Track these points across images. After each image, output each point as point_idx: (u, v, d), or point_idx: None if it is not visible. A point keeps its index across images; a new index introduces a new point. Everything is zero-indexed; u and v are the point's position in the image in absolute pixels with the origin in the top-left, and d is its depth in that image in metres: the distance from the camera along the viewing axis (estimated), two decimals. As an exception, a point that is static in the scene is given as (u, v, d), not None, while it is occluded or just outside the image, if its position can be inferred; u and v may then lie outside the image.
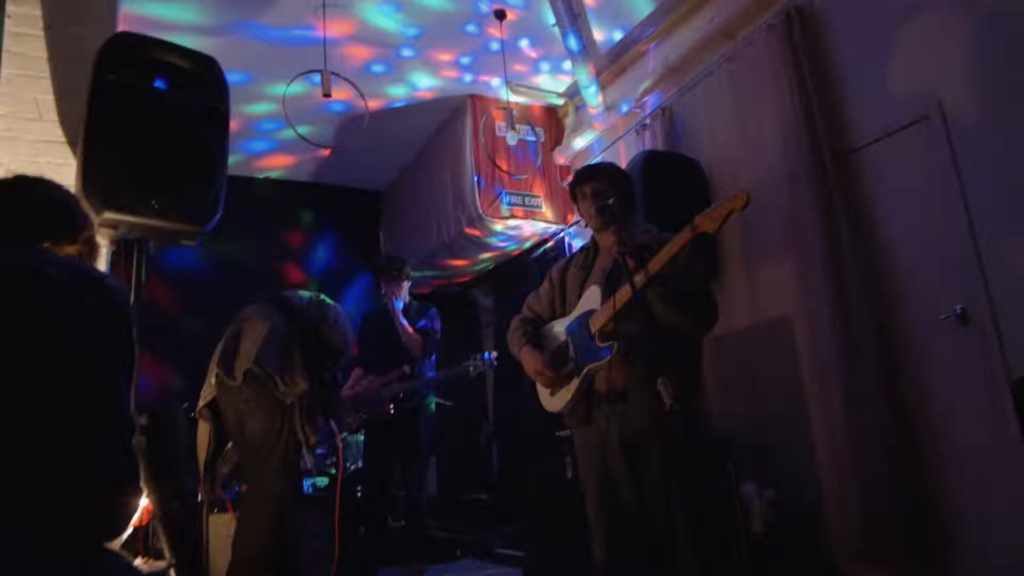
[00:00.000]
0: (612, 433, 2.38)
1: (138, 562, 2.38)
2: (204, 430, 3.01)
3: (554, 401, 2.53)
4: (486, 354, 4.33)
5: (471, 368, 4.28)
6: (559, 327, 2.58)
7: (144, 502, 2.65)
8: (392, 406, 4.17)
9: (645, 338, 2.25)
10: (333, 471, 3.87)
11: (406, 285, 4.42)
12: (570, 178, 2.83)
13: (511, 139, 4.83)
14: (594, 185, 2.57)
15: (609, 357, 2.32)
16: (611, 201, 2.47)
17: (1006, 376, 2.69)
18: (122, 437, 1.18)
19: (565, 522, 3.38)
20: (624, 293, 2.23)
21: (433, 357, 4.45)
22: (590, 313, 2.44)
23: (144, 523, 2.54)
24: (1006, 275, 2.76)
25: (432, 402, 4.45)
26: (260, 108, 5.25)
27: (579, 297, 2.54)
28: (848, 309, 3.14)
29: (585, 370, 2.40)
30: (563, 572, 3.45)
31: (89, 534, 1.13)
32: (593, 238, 2.68)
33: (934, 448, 2.96)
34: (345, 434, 4.77)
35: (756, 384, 3.77)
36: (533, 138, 5.36)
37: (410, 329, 4.23)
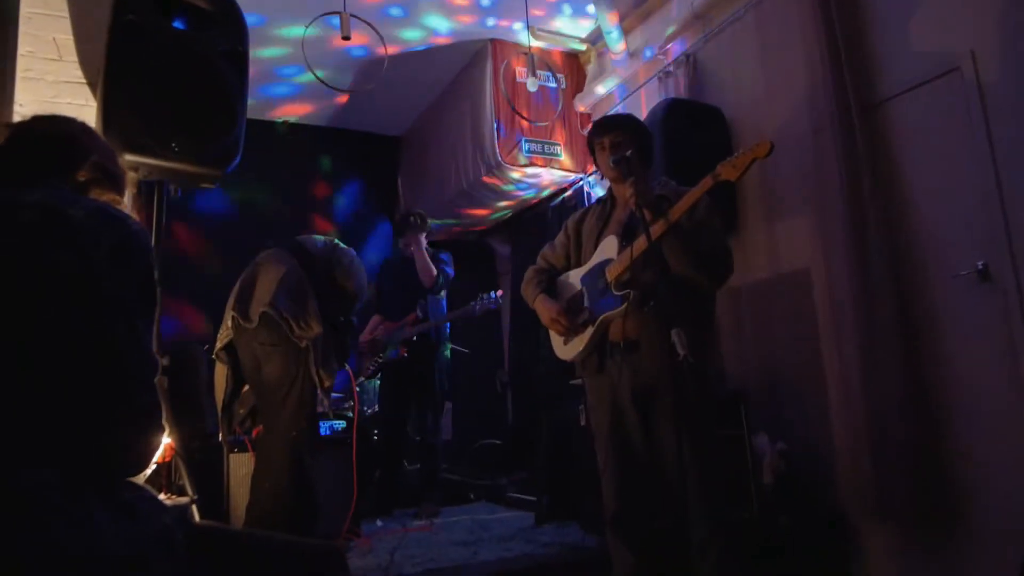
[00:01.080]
0: (624, 383, 2.40)
1: (161, 497, 2.46)
2: (221, 372, 3.07)
3: (567, 350, 2.55)
4: (491, 293, 4.37)
5: (476, 307, 4.33)
6: (574, 277, 2.59)
7: (166, 440, 2.73)
8: (407, 351, 4.24)
9: (660, 289, 2.26)
10: (350, 414, 3.95)
11: (423, 237, 4.44)
12: (589, 127, 2.80)
13: (531, 85, 4.75)
14: (612, 137, 2.55)
15: (625, 305, 2.33)
16: (629, 153, 2.45)
17: (1025, 334, 2.66)
18: (144, 375, 1.21)
19: (577, 469, 3.44)
20: (642, 242, 2.22)
21: (444, 303, 4.50)
22: (606, 263, 2.44)
23: (167, 460, 2.62)
24: (1032, 232, 2.71)
25: (447, 349, 4.51)
26: (275, 52, 5.19)
27: (595, 248, 2.54)
28: (867, 264, 3.11)
29: (600, 319, 2.41)
30: (574, 518, 3.52)
31: (114, 469, 1.16)
32: (610, 189, 2.66)
33: (949, 406, 2.96)
34: (362, 379, 4.86)
35: (772, 337, 3.76)
36: (554, 85, 5.27)
37: (429, 261, 4.28)
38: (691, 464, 2.23)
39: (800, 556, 3.05)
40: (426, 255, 4.34)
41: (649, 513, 2.40)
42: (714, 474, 2.32)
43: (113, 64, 2.60)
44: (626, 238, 2.43)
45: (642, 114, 4.17)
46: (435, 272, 4.31)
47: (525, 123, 5.07)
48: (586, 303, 2.50)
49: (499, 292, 4.43)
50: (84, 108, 3.02)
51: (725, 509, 2.36)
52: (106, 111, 2.57)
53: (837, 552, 3.22)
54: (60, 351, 1.09)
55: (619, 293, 2.36)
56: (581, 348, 2.48)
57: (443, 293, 4.53)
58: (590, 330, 2.45)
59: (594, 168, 2.75)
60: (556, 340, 2.62)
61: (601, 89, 5.14)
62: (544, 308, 2.57)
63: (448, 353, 4.55)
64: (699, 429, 2.29)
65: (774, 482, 3.26)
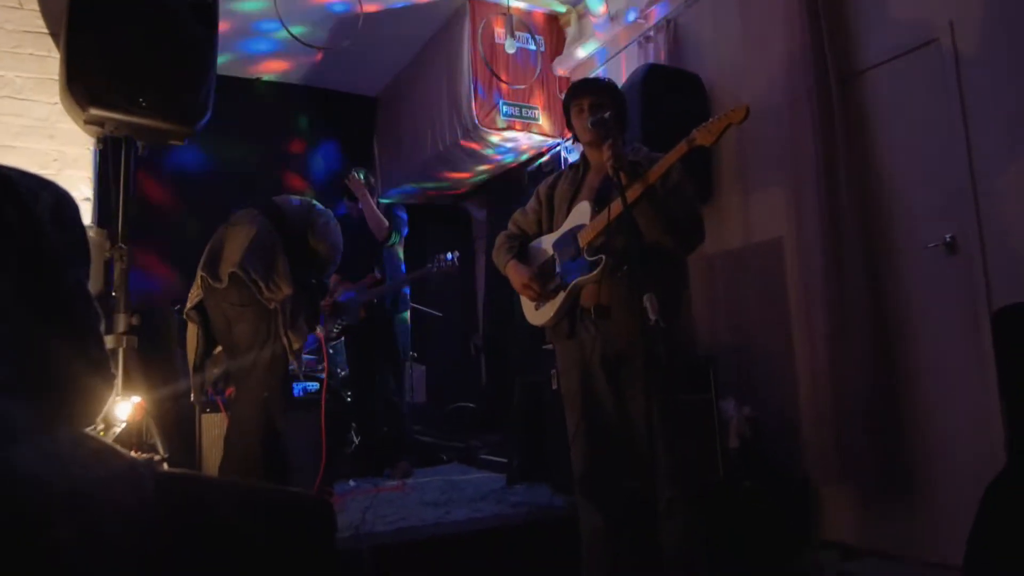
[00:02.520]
0: (595, 348, 2.42)
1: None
2: (192, 332, 3.05)
3: (539, 315, 2.56)
4: (448, 254, 4.36)
5: (432, 268, 4.33)
6: (546, 243, 2.59)
7: (136, 399, 2.72)
8: (364, 312, 4.25)
9: (632, 254, 2.27)
10: (322, 376, 3.96)
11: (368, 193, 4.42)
12: (567, 90, 2.78)
13: (510, 47, 4.69)
14: (592, 99, 2.53)
15: (598, 271, 2.34)
16: (607, 115, 2.43)
17: (988, 306, 2.72)
18: (94, 326, 1.23)
19: (548, 432, 3.48)
20: (618, 205, 2.21)
21: (403, 265, 4.48)
22: (579, 228, 2.44)
23: (138, 419, 2.61)
24: (999, 206, 2.74)
25: (405, 313, 4.49)
26: (252, 6, 5.05)
27: (567, 214, 2.54)
28: (839, 234, 3.14)
29: (571, 284, 2.42)
30: (544, 479, 3.57)
31: (62, 417, 1.17)
32: (583, 154, 2.65)
33: (913, 374, 3.03)
34: (334, 340, 4.86)
35: (744, 304, 3.81)
36: (533, 47, 5.20)
37: (377, 212, 4.27)
38: (660, 427, 2.26)
39: (762, 518, 3.13)
40: (374, 206, 4.30)
41: (617, 474, 2.44)
42: (682, 437, 2.36)
43: (76, 15, 2.53)
44: (599, 204, 2.42)
45: (621, 79, 4.14)
46: (386, 223, 4.28)
47: (503, 86, 5.02)
48: (558, 269, 2.50)
49: (456, 253, 4.40)
50: (47, 59, 2.94)
51: (692, 471, 2.41)
52: (69, 64, 2.50)
53: (798, 514, 3.31)
54: (19, 302, 1.09)
55: (591, 259, 2.37)
56: (552, 313, 2.49)
57: (401, 252, 4.50)
58: (561, 296, 2.46)
59: (570, 133, 2.72)
60: (527, 305, 2.62)
61: (581, 52, 5.08)
62: (515, 274, 2.57)
63: (406, 316, 4.52)
64: (668, 393, 2.32)
65: (739, 446, 3.32)
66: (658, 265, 2.32)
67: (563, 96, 2.72)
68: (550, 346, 2.73)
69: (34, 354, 1.11)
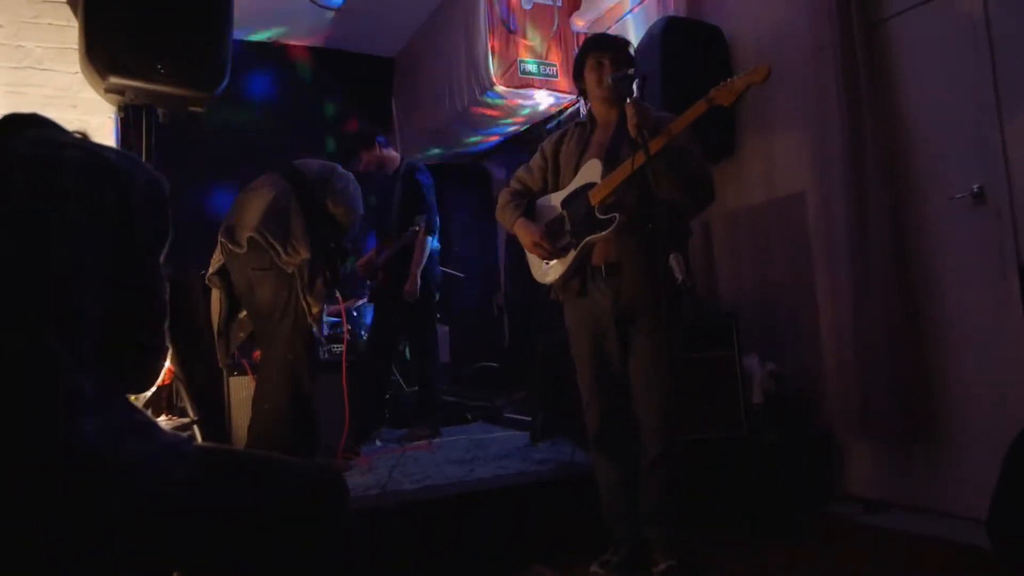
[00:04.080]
0: (606, 306, 2.42)
1: (163, 419, 2.53)
2: (216, 297, 3.10)
3: (547, 273, 2.54)
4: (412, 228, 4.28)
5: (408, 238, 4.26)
6: (554, 200, 2.56)
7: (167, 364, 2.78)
8: (381, 274, 4.26)
9: (644, 212, 2.27)
10: (349, 339, 4.01)
11: (395, 154, 4.39)
12: (583, 42, 2.73)
13: (527, 3, 4.61)
14: (612, 55, 2.50)
15: (612, 228, 2.33)
16: (632, 72, 2.40)
17: (1017, 257, 2.68)
18: (162, 316, 1.30)
19: (570, 389, 3.51)
20: (640, 157, 2.19)
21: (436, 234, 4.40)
22: (589, 186, 2.42)
23: (167, 383, 2.68)
24: (1029, 155, 2.68)
25: (430, 281, 4.39)
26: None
27: (575, 172, 2.51)
28: (863, 185, 3.09)
29: (584, 242, 2.41)
30: (568, 436, 3.62)
31: (120, 390, 1.24)
32: (590, 111, 2.61)
33: (937, 327, 2.99)
34: (361, 302, 4.91)
35: (767, 259, 3.78)
36: (550, 2, 5.11)
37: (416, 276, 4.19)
38: (659, 382, 2.31)
39: (786, 472, 3.14)
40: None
41: (630, 434, 2.46)
42: (678, 395, 2.37)
43: (93, -18, 2.52)
44: (609, 162, 2.40)
45: (644, 31, 4.06)
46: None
47: (521, 42, 4.94)
48: (568, 227, 2.47)
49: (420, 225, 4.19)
50: (66, 29, 2.95)
51: (679, 428, 2.41)
52: (88, 32, 2.51)
53: (822, 468, 3.32)
54: (102, 278, 1.15)
55: (604, 216, 2.35)
56: (564, 271, 2.47)
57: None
58: (572, 254, 2.44)
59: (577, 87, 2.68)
60: (535, 264, 2.60)
61: (600, 6, 4.98)
62: (526, 232, 2.53)
63: (429, 282, 4.40)
64: (674, 351, 2.34)
65: (763, 401, 3.33)
66: (674, 224, 2.32)
67: (578, 49, 2.68)
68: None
69: (108, 331, 1.16)
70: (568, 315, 2.59)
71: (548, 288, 2.62)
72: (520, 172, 2.73)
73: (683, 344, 2.49)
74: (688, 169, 2.31)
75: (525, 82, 4.96)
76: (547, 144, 2.68)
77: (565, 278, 2.49)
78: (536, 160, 2.68)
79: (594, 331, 2.47)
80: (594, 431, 2.51)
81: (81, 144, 1.23)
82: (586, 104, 2.69)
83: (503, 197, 2.69)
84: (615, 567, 2.41)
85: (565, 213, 2.50)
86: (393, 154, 4.47)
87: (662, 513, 2.38)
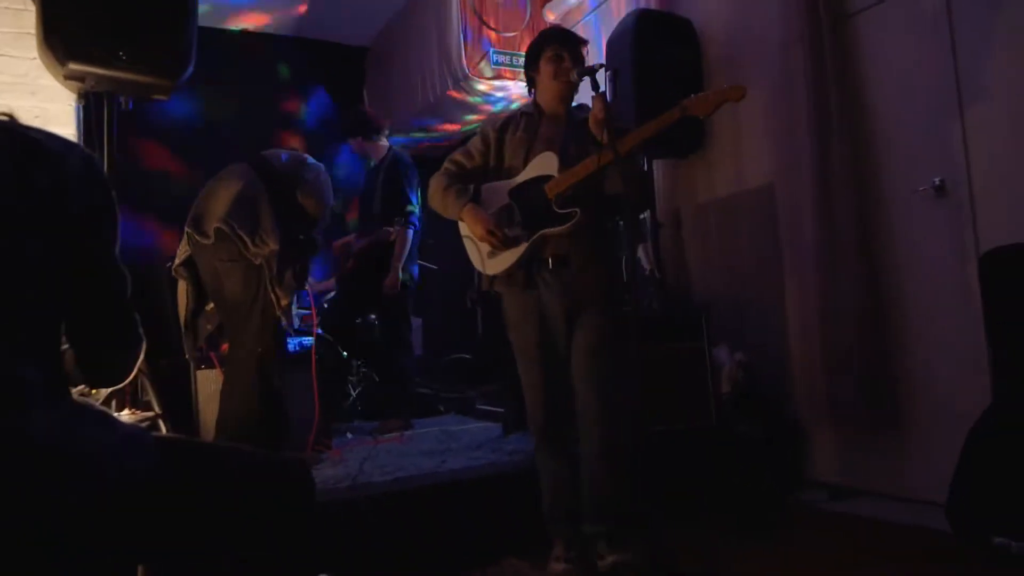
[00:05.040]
0: (554, 298, 2.42)
1: (125, 413, 2.48)
2: (183, 288, 3.04)
3: (495, 263, 2.48)
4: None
5: (390, 231, 4.25)
6: (501, 190, 2.50)
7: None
8: (352, 261, 4.26)
9: (599, 208, 2.29)
10: (320, 331, 3.97)
11: (384, 144, 4.36)
12: (545, 32, 2.71)
13: (498, -7, 4.59)
14: (573, 51, 2.50)
15: (571, 223, 2.33)
16: (600, 64, 2.39)
17: (975, 249, 2.73)
18: (123, 289, 1.26)
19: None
20: (606, 156, 2.20)
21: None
22: (544, 179, 2.40)
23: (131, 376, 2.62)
24: (988, 150, 2.73)
25: (409, 277, 4.37)
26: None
27: (524, 161, 2.48)
28: (829, 177, 3.13)
29: (538, 234, 2.39)
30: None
31: (97, 381, 1.21)
32: (536, 103, 2.58)
33: (901, 316, 3.05)
34: (332, 294, 4.86)
35: (736, 251, 3.81)
36: (522, -7, 5.09)
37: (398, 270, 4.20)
38: (600, 376, 2.35)
39: (754, 461, 3.18)
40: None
41: (574, 425, 2.45)
42: (618, 389, 2.39)
43: (50, -36, 2.46)
44: (563, 156, 2.39)
45: (614, 24, 4.06)
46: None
47: (492, 33, 4.92)
48: (518, 218, 2.44)
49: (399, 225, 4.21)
50: (23, 13, 2.87)
51: (623, 424, 2.40)
52: (45, 16, 2.45)
53: (790, 456, 3.37)
54: (42, 266, 1.11)
55: (562, 211, 2.34)
56: (513, 262, 2.42)
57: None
58: (524, 246, 2.41)
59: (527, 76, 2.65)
60: (475, 254, 2.54)
61: (571, -2, 4.98)
62: (475, 220, 2.43)
63: (407, 277, 4.38)
64: (621, 343, 2.37)
65: (731, 391, 3.37)
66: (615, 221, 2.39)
67: (538, 40, 2.60)
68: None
69: (53, 320, 1.13)
70: (510, 307, 2.53)
71: (480, 278, 2.58)
72: (457, 155, 2.59)
73: (643, 335, 2.51)
74: (638, 169, 2.35)
75: (497, 73, 4.94)
76: (490, 129, 2.57)
77: (512, 269, 2.45)
78: (476, 144, 2.57)
79: (540, 324, 2.45)
80: (538, 425, 2.49)
81: (8, 127, 1.16)
82: (531, 93, 2.65)
83: (440, 180, 2.55)
84: (572, 562, 2.41)
85: (514, 204, 2.46)
86: (383, 143, 4.44)
87: (606, 506, 2.38)
